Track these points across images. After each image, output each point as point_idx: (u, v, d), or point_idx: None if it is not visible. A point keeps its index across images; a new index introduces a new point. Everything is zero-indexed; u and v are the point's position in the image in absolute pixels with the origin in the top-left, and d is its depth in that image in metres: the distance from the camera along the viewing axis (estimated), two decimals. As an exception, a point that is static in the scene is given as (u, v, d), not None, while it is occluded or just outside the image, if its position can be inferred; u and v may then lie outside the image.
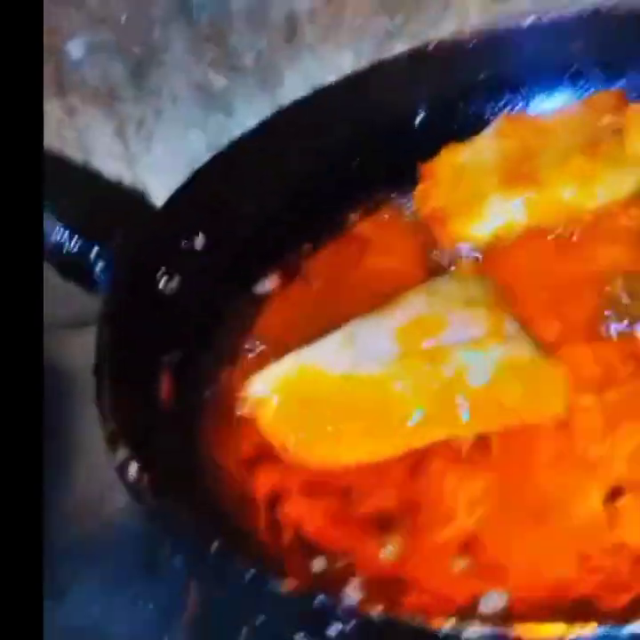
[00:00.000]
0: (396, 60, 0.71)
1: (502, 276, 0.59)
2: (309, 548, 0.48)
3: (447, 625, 0.39)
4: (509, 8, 0.78)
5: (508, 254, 0.61)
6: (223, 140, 0.67)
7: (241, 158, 0.66)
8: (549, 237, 0.61)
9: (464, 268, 0.60)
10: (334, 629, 0.41)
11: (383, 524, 0.49)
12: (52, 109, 0.87)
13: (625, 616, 0.39)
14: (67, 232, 0.62)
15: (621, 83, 0.68)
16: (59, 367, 0.71)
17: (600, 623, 0.37)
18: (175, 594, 0.56)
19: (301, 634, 0.42)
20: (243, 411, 0.55)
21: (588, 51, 0.68)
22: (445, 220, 0.63)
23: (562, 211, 0.61)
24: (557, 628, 0.38)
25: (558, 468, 0.49)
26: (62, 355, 0.72)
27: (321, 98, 0.69)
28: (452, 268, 0.61)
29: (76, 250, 0.62)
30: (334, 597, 0.41)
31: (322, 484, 0.51)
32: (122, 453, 0.48)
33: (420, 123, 0.70)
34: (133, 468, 0.47)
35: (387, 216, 0.66)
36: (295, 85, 0.84)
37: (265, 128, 0.67)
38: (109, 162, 0.88)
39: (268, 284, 0.64)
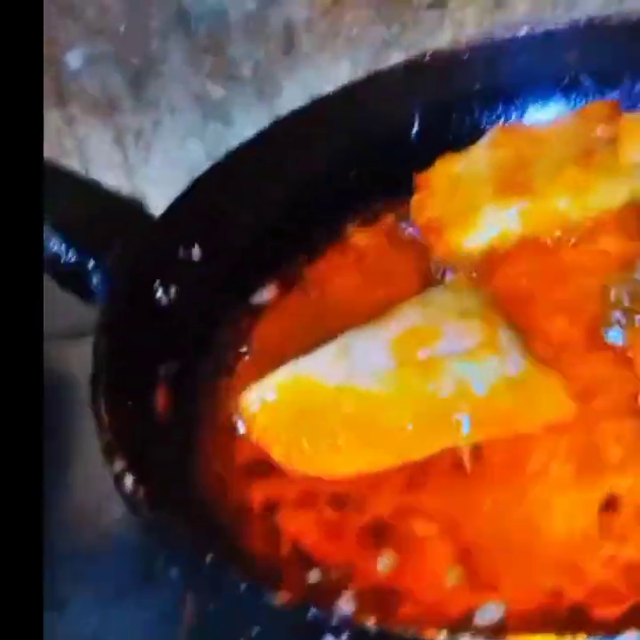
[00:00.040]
0: (393, 71, 0.71)
1: (497, 286, 0.59)
2: (305, 560, 0.49)
3: (440, 636, 0.39)
4: (505, 19, 0.79)
5: (503, 264, 0.61)
6: (221, 150, 0.68)
7: (239, 168, 0.66)
8: (544, 247, 0.61)
9: (459, 278, 0.60)
10: (329, 641, 0.41)
11: (379, 536, 0.49)
12: (51, 119, 0.88)
13: (617, 627, 0.39)
14: (64, 242, 0.63)
15: (615, 93, 0.68)
16: (56, 377, 0.71)
17: (590, 634, 0.38)
18: (172, 605, 0.56)
19: (297, 645, 0.42)
20: (239, 421, 0.55)
21: (582, 61, 0.68)
22: (441, 230, 0.63)
23: (556, 220, 0.61)
24: (548, 639, 0.38)
25: (552, 477, 0.49)
26: (59, 365, 0.72)
27: (318, 108, 0.70)
28: (448, 278, 0.61)
29: (73, 260, 0.63)
30: (328, 609, 0.41)
31: (318, 495, 0.51)
32: (118, 465, 0.48)
33: (416, 133, 0.70)
34: (129, 480, 0.47)
35: (383, 226, 0.67)
36: (293, 95, 0.85)
37: (263, 138, 0.68)
38: (108, 172, 0.89)
39: (266, 294, 0.64)
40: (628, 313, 0.54)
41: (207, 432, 0.55)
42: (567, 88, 0.69)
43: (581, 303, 0.56)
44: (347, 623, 0.41)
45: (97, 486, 0.62)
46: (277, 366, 0.55)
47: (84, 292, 0.63)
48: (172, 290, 0.61)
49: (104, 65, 0.86)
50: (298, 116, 0.69)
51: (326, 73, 0.84)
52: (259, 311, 0.63)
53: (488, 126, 0.69)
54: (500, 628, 0.42)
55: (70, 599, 0.59)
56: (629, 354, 0.52)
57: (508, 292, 0.58)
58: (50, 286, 0.62)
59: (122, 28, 0.85)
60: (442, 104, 0.70)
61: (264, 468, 0.53)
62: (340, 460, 0.52)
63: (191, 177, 0.65)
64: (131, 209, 0.71)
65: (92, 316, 0.58)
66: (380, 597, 0.46)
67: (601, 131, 0.64)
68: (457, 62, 0.70)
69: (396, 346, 0.54)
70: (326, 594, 0.46)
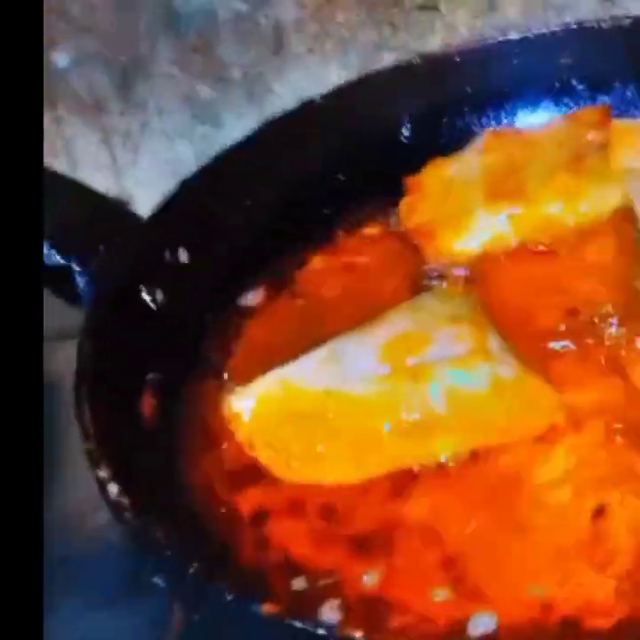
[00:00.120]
0: (383, 73, 0.71)
1: (489, 291, 0.59)
2: (292, 568, 0.48)
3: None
4: (496, 22, 0.78)
5: (495, 269, 0.61)
6: (210, 152, 0.67)
7: (228, 171, 0.66)
8: (536, 252, 0.61)
9: (450, 283, 0.60)
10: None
11: (367, 544, 0.48)
12: (39, 119, 0.87)
13: (610, 637, 0.38)
14: (49, 244, 0.62)
15: (606, 98, 0.68)
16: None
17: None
18: (161, 612, 0.55)
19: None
20: (226, 427, 0.55)
21: (574, 66, 0.68)
22: (431, 234, 0.63)
23: (548, 226, 0.61)
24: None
25: (542, 486, 0.49)
26: (45, 367, 0.71)
27: (308, 110, 0.69)
28: (438, 283, 0.60)
29: (58, 262, 0.62)
30: (314, 620, 0.40)
31: (306, 503, 0.51)
32: (102, 472, 0.47)
33: (407, 136, 0.70)
34: (114, 487, 0.46)
35: (373, 230, 0.66)
36: (283, 97, 0.84)
37: (252, 140, 0.67)
38: (95, 173, 0.88)
39: (254, 298, 0.63)
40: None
41: (194, 438, 0.55)
42: (558, 92, 0.69)
43: (573, 309, 0.56)
44: (333, 634, 0.40)
45: (84, 489, 0.61)
46: (265, 371, 0.55)
47: (69, 295, 0.62)
48: (159, 293, 0.60)
49: (92, 65, 0.86)
50: (287, 118, 0.68)
51: (316, 75, 0.84)
52: (247, 315, 0.62)
53: (479, 130, 0.69)
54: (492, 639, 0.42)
55: (59, 604, 0.58)
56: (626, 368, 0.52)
57: (500, 298, 0.58)
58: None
59: (110, 28, 0.84)
60: (433, 107, 0.69)
61: (252, 474, 0.53)
62: (328, 467, 0.52)
63: (179, 179, 0.65)
64: (118, 211, 0.70)
65: (78, 319, 0.57)
66: (368, 607, 0.45)
67: (592, 136, 0.64)
68: (448, 65, 0.69)
69: (385, 351, 0.53)
70: (312, 603, 0.45)
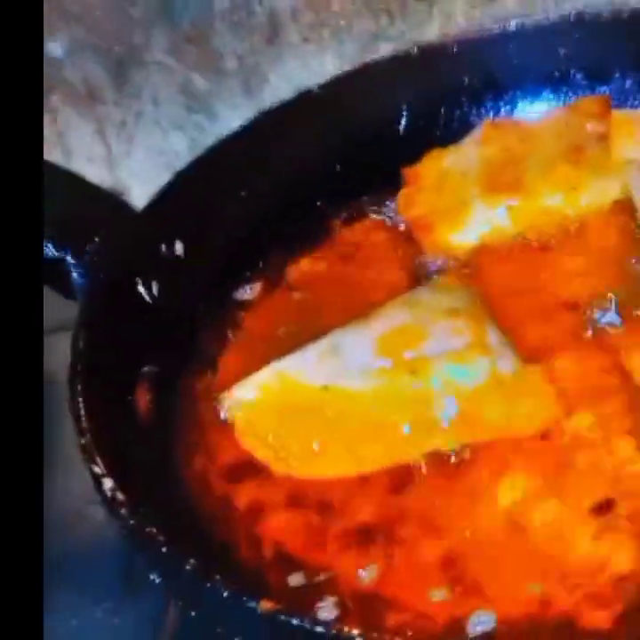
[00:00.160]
0: (380, 63, 0.71)
1: (487, 284, 0.58)
2: (289, 563, 0.48)
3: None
4: (494, 12, 0.78)
5: (494, 262, 0.60)
6: (205, 143, 0.67)
7: (223, 162, 0.65)
8: (534, 244, 0.60)
9: (447, 276, 0.59)
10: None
11: (364, 540, 0.48)
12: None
13: (609, 636, 0.38)
14: (44, 236, 0.61)
15: (605, 88, 0.67)
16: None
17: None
18: (157, 610, 0.55)
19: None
20: (222, 421, 0.54)
21: (573, 56, 0.68)
22: (429, 226, 0.62)
23: (547, 218, 0.61)
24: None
25: (541, 480, 0.48)
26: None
27: (304, 101, 0.69)
28: (436, 276, 0.60)
29: (52, 254, 0.61)
30: (311, 616, 0.40)
31: (303, 498, 0.50)
32: (97, 468, 0.47)
33: (404, 127, 0.69)
34: (108, 483, 0.46)
35: (370, 222, 0.66)
36: (278, 88, 0.83)
37: (247, 131, 0.67)
38: (89, 164, 0.87)
39: (250, 291, 0.63)
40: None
41: (190, 432, 0.54)
42: (557, 83, 0.69)
43: (573, 302, 0.56)
44: (330, 632, 0.40)
45: (79, 485, 0.60)
46: (262, 365, 0.54)
47: (63, 288, 0.62)
48: (154, 286, 0.59)
49: (86, 55, 0.85)
50: (283, 109, 0.68)
51: (312, 65, 0.83)
52: (243, 308, 0.62)
53: (477, 121, 0.68)
54: (493, 638, 0.41)
55: (53, 602, 0.58)
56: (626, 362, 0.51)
57: (499, 291, 0.57)
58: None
59: (104, 18, 0.83)
60: (430, 98, 0.69)
61: (248, 469, 0.52)
62: (325, 462, 0.51)
63: (174, 170, 0.64)
64: (112, 202, 0.70)
65: (72, 312, 0.57)
66: (365, 604, 0.45)
67: (591, 126, 0.64)
68: (446, 55, 0.69)
69: (382, 345, 0.53)
70: (309, 599, 0.45)
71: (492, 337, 0.53)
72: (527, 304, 0.57)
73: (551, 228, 0.60)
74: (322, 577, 0.46)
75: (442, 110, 0.69)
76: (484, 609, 0.43)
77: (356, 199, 0.67)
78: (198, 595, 0.44)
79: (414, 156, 0.66)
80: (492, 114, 0.69)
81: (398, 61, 0.70)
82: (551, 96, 0.69)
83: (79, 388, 0.51)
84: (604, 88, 0.67)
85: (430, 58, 0.69)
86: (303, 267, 0.63)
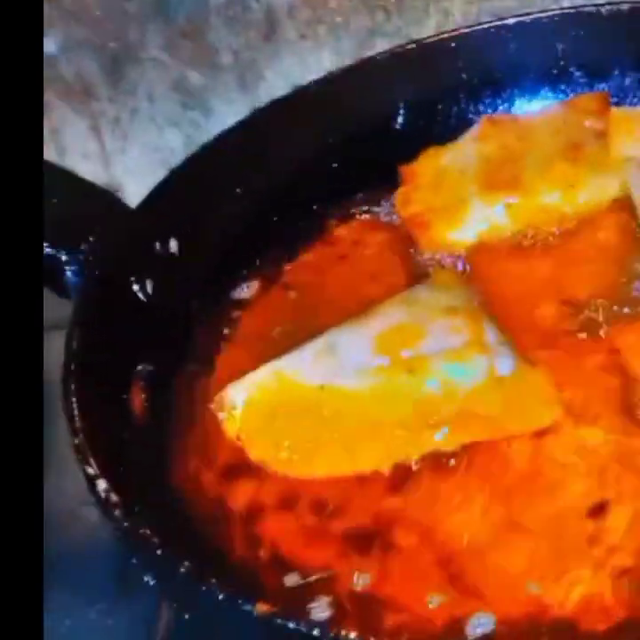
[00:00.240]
0: (377, 60, 0.70)
1: (484, 282, 0.58)
2: (285, 564, 0.47)
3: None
4: (492, 8, 0.77)
5: (492, 260, 0.60)
6: (200, 140, 0.66)
7: (218, 159, 0.65)
8: (533, 242, 0.60)
9: (445, 274, 0.59)
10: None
11: (361, 541, 0.47)
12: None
13: (608, 637, 0.38)
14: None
15: (604, 85, 0.67)
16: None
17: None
18: (151, 610, 0.54)
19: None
20: (218, 421, 0.54)
21: (571, 52, 0.67)
22: (427, 225, 0.62)
23: (546, 215, 0.61)
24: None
25: (540, 481, 0.48)
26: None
27: (301, 97, 0.68)
28: (433, 274, 0.59)
29: (46, 252, 0.61)
30: (306, 618, 0.40)
31: (297, 498, 0.50)
32: (90, 468, 0.46)
33: (401, 123, 0.69)
34: (102, 484, 0.45)
35: (367, 220, 0.65)
36: (274, 84, 0.83)
37: (243, 128, 0.66)
38: (84, 161, 0.87)
39: (247, 290, 0.62)
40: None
41: (185, 432, 0.54)
42: (555, 79, 0.68)
43: (571, 300, 0.55)
44: (326, 634, 0.39)
45: (73, 486, 0.60)
46: (258, 364, 0.54)
47: (57, 286, 0.61)
48: (149, 284, 0.59)
49: (81, 51, 0.84)
50: (280, 104, 0.67)
51: (309, 61, 0.83)
52: (239, 307, 0.61)
53: (475, 118, 0.68)
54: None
55: (47, 602, 0.57)
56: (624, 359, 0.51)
57: (497, 289, 0.57)
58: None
59: (99, 14, 0.83)
60: (428, 94, 0.68)
61: (244, 469, 0.52)
62: (322, 462, 0.51)
63: (169, 167, 0.64)
64: (107, 200, 0.69)
65: (66, 310, 0.56)
66: (362, 606, 0.44)
67: (590, 123, 0.63)
68: (443, 51, 0.68)
69: (379, 344, 0.52)
70: (305, 600, 0.44)
71: (491, 335, 0.52)
72: (525, 302, 0.56)
73: (549, 226, 0.60)
74: (318, 577, 0.46)
75: (439, 107, 0.68)
76: (483, 610, 0.43)
77: (353, 197, 0.66)
78: (193, 597, 0.43)
79: (411, 153, 0.66)
80: (489, 110, 0.69)
81: (395, 58, 0.69)
82: (549, 93, 0.68)
83: (73, 387, 0.50)
84: (602, 85, 0.67)
85: (427, 54, 0.68)
86: (300, 265, 0.63)
